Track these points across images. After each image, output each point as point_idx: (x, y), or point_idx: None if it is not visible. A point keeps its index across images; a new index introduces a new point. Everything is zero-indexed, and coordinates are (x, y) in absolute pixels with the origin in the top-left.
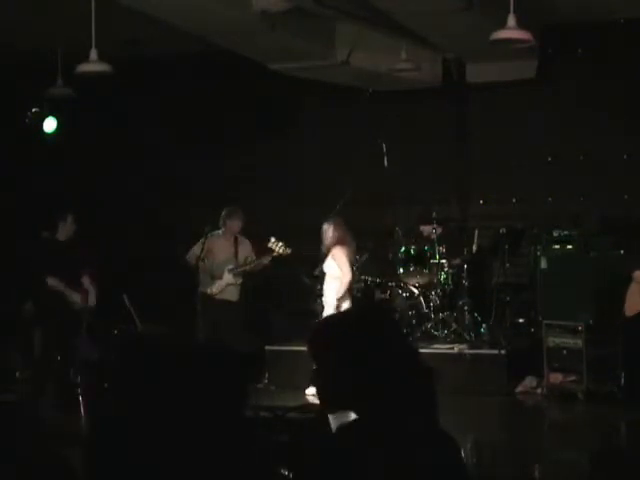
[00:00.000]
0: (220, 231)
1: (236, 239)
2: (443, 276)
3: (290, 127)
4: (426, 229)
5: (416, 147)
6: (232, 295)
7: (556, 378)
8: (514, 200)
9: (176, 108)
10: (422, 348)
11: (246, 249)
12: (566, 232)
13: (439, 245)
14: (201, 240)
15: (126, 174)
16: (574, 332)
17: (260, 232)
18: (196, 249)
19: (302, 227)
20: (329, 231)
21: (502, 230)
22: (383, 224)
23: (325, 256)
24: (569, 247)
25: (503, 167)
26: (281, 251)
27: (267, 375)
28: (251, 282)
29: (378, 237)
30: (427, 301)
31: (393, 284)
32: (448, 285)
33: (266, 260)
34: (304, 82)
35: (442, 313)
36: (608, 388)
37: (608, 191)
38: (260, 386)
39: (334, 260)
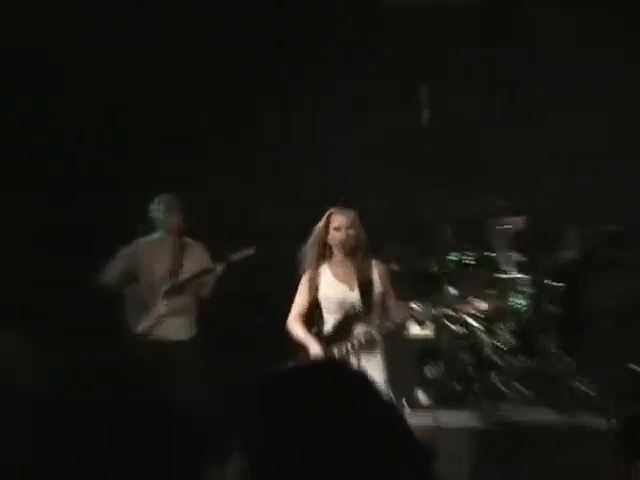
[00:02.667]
0: (156, 234)
1: (181, 244)
2: (519, 300)
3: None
4: (514, 222)
5: (452, 93)
6: (178, 332)
7: None
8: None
9: None
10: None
11: (197, 257)
12: None
13: (510, 250)
14: (126, 249)
15: None
16: None
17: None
18: (116, 265)
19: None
20: (357, 227)
21: (611, 228)
22: (417, 217)
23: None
24: None
25: (603, 124)
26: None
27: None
28: None
29: (409, 238)
30: (493, 338)
31: (438, 312)
32: (527, 313)
33: (220, 271)
34: None
35: (516, 357)
36: None
37: None
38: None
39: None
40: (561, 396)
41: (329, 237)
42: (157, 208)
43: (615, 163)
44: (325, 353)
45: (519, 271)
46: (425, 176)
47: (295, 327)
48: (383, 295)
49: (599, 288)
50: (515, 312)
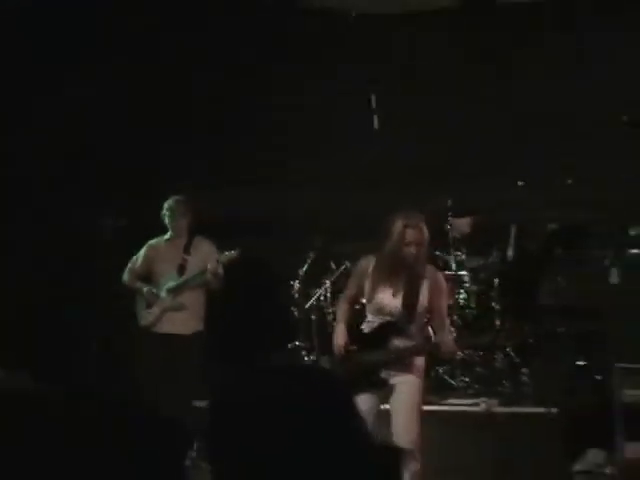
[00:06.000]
0: (166, 236)
1: (188, 244)
2: (463, 296)
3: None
4: (460, 224)
5: (417, 100)
6: (180, 327)
7: (636, 452)
8: (570, 181)
9: None
10: (430, 404)
11: (203, 256)
12: None
13: (456, 249)
14: (142, 250)
15: None
16: None
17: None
18: (134, 263)
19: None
20: (425, 234)
21: (552, 226)
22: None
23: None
24: None
25: (553, 130)
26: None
27: (195, 445)
28: None
29: (363, 236)
30: None
31: None
32: (470, 309)
33: (213, 269)
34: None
35: (461, 352)
36: None
37: None
38: (187, 463)
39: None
40: (504, 386)
41: (397, 248)
42: (165, 213)
43: (553, 165)
44: (348, 350)
45: (464, 269)
46: (376, 177)
47: (340, 308)
48: (430, 312)
49: (540, 285)
50: (459, 307)
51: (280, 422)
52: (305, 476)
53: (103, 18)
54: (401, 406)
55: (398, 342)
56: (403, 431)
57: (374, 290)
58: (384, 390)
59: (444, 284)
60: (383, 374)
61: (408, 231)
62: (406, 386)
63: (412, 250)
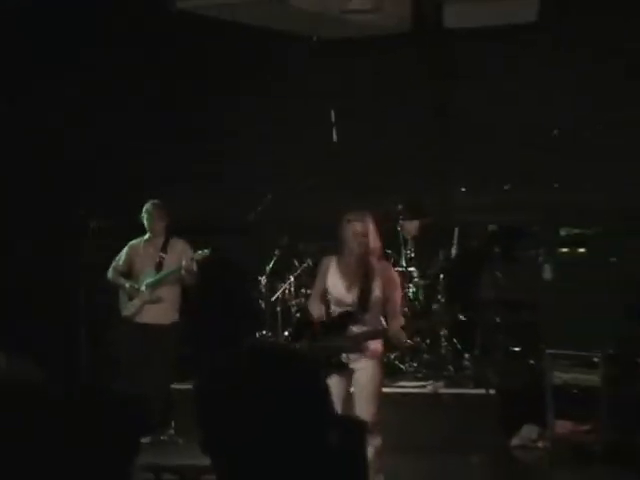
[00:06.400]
0: (145, 236)
1: (165, 243)
2: (412, 290)
3: (210, 89)
4: (409, 226)
5: (374, 115)
6: (158, 317)
7: (564, 427)
8: (507, 187)
9: None
10: (383, 387)
11: (178, 255)
12: (578, 230)
13: (406, 248)
14: (124, 250)
15: None
16: (589, 365)
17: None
18: (118, 261)
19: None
20: (371, 234)
21: (491, 227)
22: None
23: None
24: (582, 250)
25: (493, 142)
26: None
27: (173, 424)
28: None
29: (324, 238)
30: None
31: None
32: (419, 302)
33: (187, 266)
34: (223, 26)
35: (410, 339)
36: (635, 441)
37: (635, 176)
38: (164, 438)
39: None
40: (448, 371)
41: (347, 241)
42: (144, 215)
43: (492, 173)
44: (320, 340)
45: (413, 265)
46: (333, 181)
47: (313, 307)
48: (384, 302)
49: (480, 280)
50: (409, 300)
51: (256, 399)
52: (279, 452)
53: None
54: (360, 388)
55: (355, 329)
56: (363, 411)
57: (334, 285)
58: (347, 374)
59: (396, 277)
60: (343, 358)
61: (354, 224)
62: (364, 370)
63: (359, 242)
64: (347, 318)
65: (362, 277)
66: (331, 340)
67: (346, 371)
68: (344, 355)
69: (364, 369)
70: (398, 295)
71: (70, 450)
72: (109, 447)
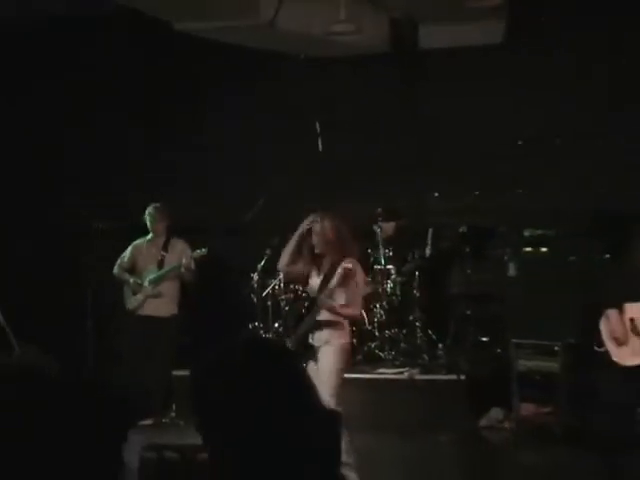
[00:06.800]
0: (148, 237)
1: (166, 243)
2: (390, 285)
3: (202, 104)
4: (387, 228)
5: (357, 127)
6: (160, 310)
7: (528, 410)
8: (477, 192)
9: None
10: (364, 373)
11: (178, 253)
12: (540, 231)
13: (385, 248)
14: (128, 248)
15: None
16: (550, 354)
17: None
18: (123, 258)
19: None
20: (325, 234)
21: (462, 229)
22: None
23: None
24: (544, 250)
25: (464, 151)
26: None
27: (174, 407)
28: None
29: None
30: (370, 316)
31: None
32: (396, 296)
33: (186, 264)
34: (218, 48)
35: (389, 330)
36: (590, 422)
37: (593, 182)
38: (166, 421)
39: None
40: (423, 359)
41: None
42: (147, 217)
43: (463, 179)
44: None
45: (391, 263)
46: (318, 187)
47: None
48: (333, 292)
49: (452, 277)
50: (387, 295)
51: (249, 391)
52: (267, 440)
53: None
54: (319, 370)
55: (318, 311)
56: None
57: (309, 276)
58: (315, 356)
59: (357, 271)
60: (311, 340)
61: (313, 225)
62: (325, 353)
63: (314, 239)
64: (314, 301)
65: (329, 268)
66: (303, 323)
67: (314, 353)
68: (311, 338)
69: (324, 351)
70: (353, 283)
71: (67, 435)
72: (100, 435)
